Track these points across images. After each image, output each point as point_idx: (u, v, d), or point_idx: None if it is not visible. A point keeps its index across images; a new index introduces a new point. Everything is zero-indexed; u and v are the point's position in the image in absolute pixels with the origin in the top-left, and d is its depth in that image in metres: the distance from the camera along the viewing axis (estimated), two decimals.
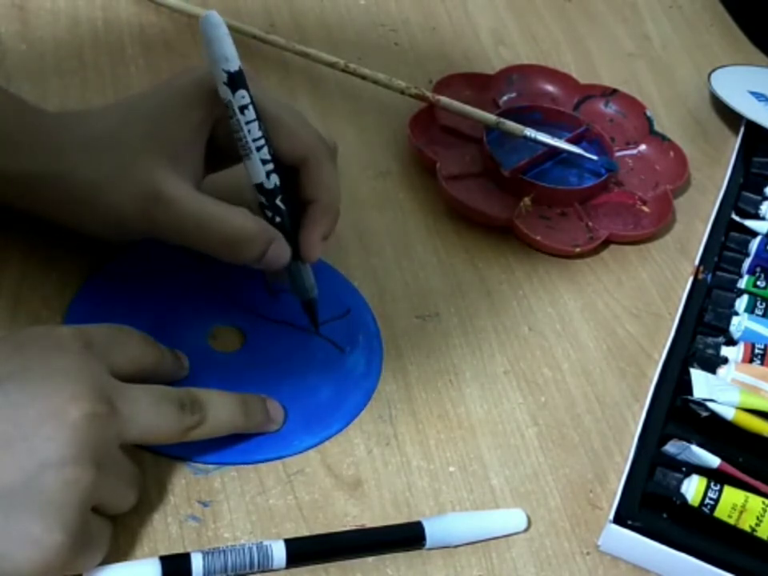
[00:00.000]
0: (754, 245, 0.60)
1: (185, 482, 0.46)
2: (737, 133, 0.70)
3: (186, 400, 0.43)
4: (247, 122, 0.46)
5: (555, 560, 0.46)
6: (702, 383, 0.51)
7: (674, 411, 0.51)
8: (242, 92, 0.46)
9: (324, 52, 0.66)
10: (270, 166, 0.47)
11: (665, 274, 0.61)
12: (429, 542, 0.45)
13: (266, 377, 0.50)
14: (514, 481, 0.49)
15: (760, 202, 0.64)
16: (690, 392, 0.50)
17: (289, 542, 0.43)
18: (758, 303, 0.56)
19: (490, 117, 0.63)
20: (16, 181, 0.48)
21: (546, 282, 0.58)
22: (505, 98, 0.68)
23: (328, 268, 0.55)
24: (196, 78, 0.48)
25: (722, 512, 0.46)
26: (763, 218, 0.63)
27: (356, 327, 0.53)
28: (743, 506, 0.46)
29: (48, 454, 0.38)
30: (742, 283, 0.58)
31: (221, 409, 0.45)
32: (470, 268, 0.58)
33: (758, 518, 0.46)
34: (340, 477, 0.47)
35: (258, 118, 0.47)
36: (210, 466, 0.46)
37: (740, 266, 0.60)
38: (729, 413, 0.49)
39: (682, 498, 0.46)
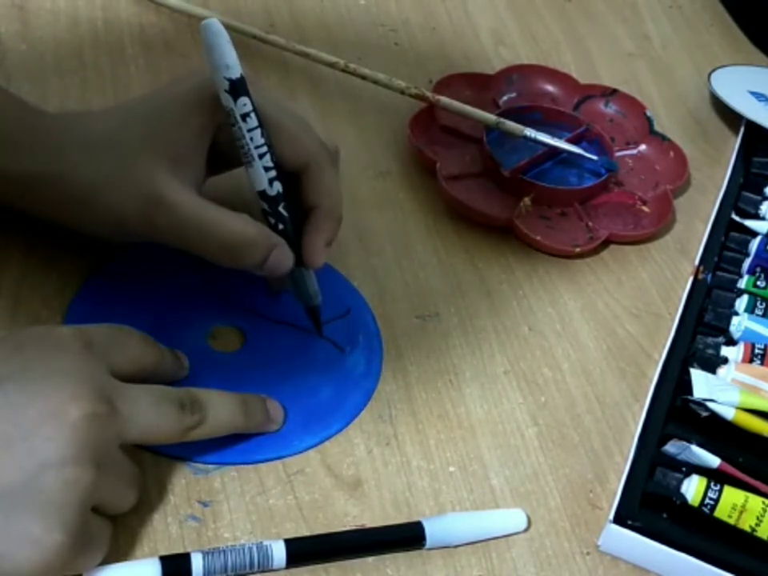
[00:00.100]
0: (754, 245, 0.60)
1: (185, 481, 0.46)
2: (737, 133, 0.70)
3: (186, 400, 0.43)
4: (249, 130, 0.46)
5: (555, 560, 0.46)
6: (702, 383, 0.51)
7: (674, 411, 0.51)
8: (244, 99, 0.46)
9: (324, 52, 0.66)
10: (273, 173, 0.47)
11: (665, 273, 0.61)
12: (429, 542, 0.45)
13: (266, 377, 0.50)
14: (514, 481, 0.49)
15: (760, 202, 0.64)
16: (690, 392, 0.50)
17: (289, 542, 0.43)
18: (758, 303, 0.56)
19: (490, 117, 0.63)
20: (16, 181, 0.48)
21: (546, 282, 0.58)
22: (505, 97, 0.68)
23: (328, 268, 0.55)
24: (197, 84, 0.48)
25: (722, 512, 0.46)
26: (763, 218, 0.63)
27: (356, 327, 0.53)
28: (743, 506, 0.46)
29: (48, 454, 0.38)
30: (742, 283, 0.58)
31: (221, 409, 0.45)
32: (470, 268, 0.58)
33: (757, 518, 0.46)
34: (340, 477, 0.47)
35: (261, 125, 0.47)
36: (210, 466, 0.46)
37: (740, 266, 0.60)
38: (729, 413, 0.49)
39: (682, 498, 0.46)
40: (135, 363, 0.45)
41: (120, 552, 0.42)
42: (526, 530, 0.47)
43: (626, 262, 0.61)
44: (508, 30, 0.75)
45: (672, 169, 0.66)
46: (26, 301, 0.50)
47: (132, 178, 0.47)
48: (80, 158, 0.47)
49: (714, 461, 0.48)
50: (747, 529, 0.46)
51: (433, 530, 0.45)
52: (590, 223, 0.61)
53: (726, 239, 0.61)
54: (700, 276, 0.59)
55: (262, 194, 0.48)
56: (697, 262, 0.60)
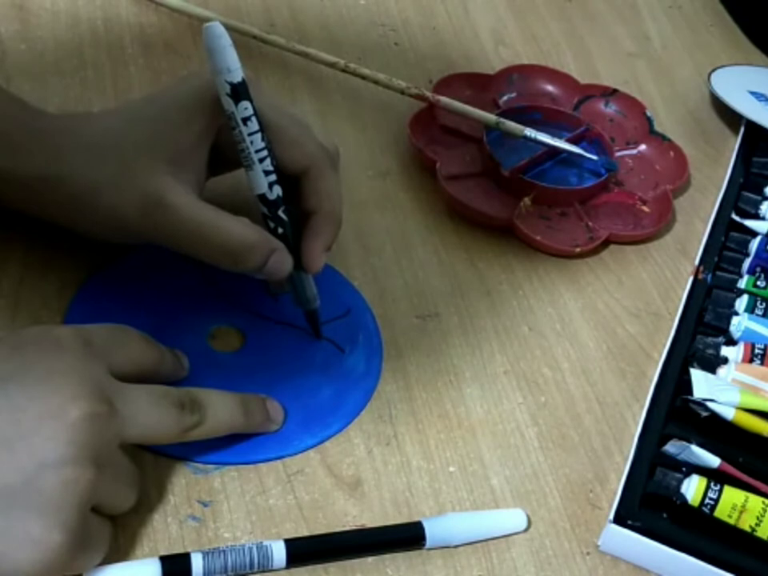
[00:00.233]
0: (754, 245, 0.60)
1: (185, 481, 0.46)
2: (737, 133, 0.70)
3: (186, 400, 0.43)
4: (250, 134, 0.46)
5: (555, 560, 0.46)
6: (701, 383, 0.51)
7: (674, 411, 0.51)
8: (245, 103, 0.46)
9: (324, 52, 0.66)
10: (273, 177, 0.47)
11: (665, 273, 0.61)
12: (429, 542, 0.45)
13: (266, 377, 0.50)
14: (514, 481, 0.49)
15: (760, 202, 0.64)
16: (690, 392, 0.50)
17: (289, 542, 0.43)
18: (758, 303, 0.56)
19: (490, 117, 0.63)
20: (15, 181, 0.48)
21: (546, 282, 0.58)
22: (505, 98, 0.68)
23: (328, 268, 0.54)
24: (199, 85, 0.48)
25: (722, 512, 0.46)
26: (763, 218, 0.63)
27: (356, 327, 0.53)
28: (743, 506, 0.46)
29: (48, 453, 0.38)
30: (742, 283, 0.58)
31: (220, 409, 0.45)
32: (470, 268, 0.58)
33: (757, 518, 0.46)
34: (340, 477, 0.47)
35: (261, 128, 0.47)
36: (210, 466, 0.46)
37: (740, 266, 0.60)
38: (729, 413, 0.49)
39: (682, 498, 0.46)
40: (135, 363, 0.45)
41: (120, 552, 0.42)
42: (526, 529, 0.47)
43: (625, 262, 0.61)
44: (508, 30, 0.75)
45: (672, 169, 0.66)
46: (25, 301, 0.50)
47: (132, 180, 0.47)
48: (80, 160, 0.47)
49: (714, 461, 0.48)
50: (747, 529, 0.46)
51: (433, 530, 0.45)
52: (590, 223, 0.61)
53: (726, 239, 0.61)
54: (700, 276, 0.59)
55: (262, 198, 0.48)
56: (697, 261, 0.60)
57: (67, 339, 0.42)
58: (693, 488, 0.46)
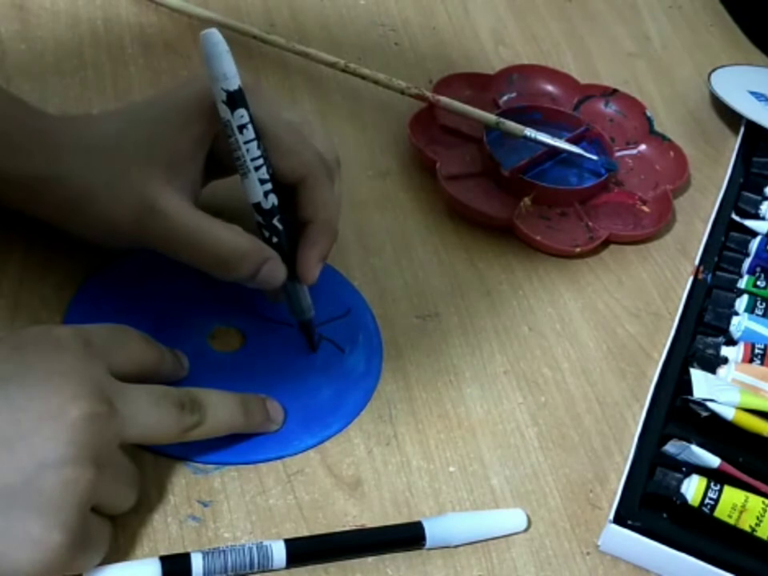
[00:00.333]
0: (754, 245, 0.60)
1: (185, 481, 0.46)
2: (737, 133, 0.70)
3: (186, 400, 0.43)
4: (246, 142, 0.46)
5: (555, 560, 0.46)
6: (701, 383, 0.51)
7: (674, 411, 0.51)
8: (241, 111, 0.45)
9: (324, 52, 0.66)
10: (268, 186, 0.47)
11: (665, 273, 0.61)
12: (429, 542, 0.45)
13: (266, 377, 0.50)
14: (514, 481, 0.49)
15: (760, 202, 0.64)
16: (690, 392, 0.50)
17: (289, 542, 0.43)
18: (758, 303, 0.56)
19: (490, 117, 0.63)
20: (16, 182, 0.48)
21: (546, 282, 0.58)
22: (505, 98, 0.68)
23: (328, 268, 0.54)
24: (197, 90, 0.48)
25: (722, 512, 0.46)
26: (763, 218, 0.63)
27: (356, 327, 0.53)
28: (743, 506, 0.46)
29: (47, 453, 0.38)
30: (742, 283, 0.58)
31: (220, 409, 0.45)
32: (470, 268, 0.58)
33: (757, 518, 0.46)
34: (340, 477, 0.47)
35: (257, 137, 0.46)
36: (210, 466, 0.46)
37: (740, 266, 0.60)
38: (729, 413, 0.49)
39: (682, 498, 0.46)
40: (135, 363, 0.45)
41: (120, 552, 0.42)
42: (526, 530, 0.47)
43: (625, 262, 0.61)
44: (508, 30, 0.75)
45: (672, 169, 0.66)
46: (25, 301, 0.50)
47: (127, 184, 0.47)
48: (77, 161, 0.47)
49: (714, 461, 0.48)
50: (747, 529, 0.46)
51: (433, 530, 0.45)
52: (590, 223, 0.61)
53: (726, 239, 0.61)
54: (700, 276, 0.59)
55: (257, 207, 0.47)
56: (697, 261, 0.60)
57: (67, 339, 0.42)
58: (693, 488, 0.46)
